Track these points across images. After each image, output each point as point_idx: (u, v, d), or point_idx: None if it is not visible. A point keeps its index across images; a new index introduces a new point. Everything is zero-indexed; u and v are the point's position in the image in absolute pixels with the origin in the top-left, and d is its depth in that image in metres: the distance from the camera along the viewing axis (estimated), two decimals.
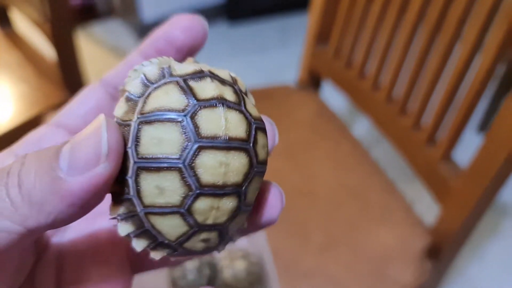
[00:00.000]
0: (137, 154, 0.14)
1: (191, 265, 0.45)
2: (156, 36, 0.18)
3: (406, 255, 0.55)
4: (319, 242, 0.56)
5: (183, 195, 0.14)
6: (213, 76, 0.15)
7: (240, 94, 0.15)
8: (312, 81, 0.78)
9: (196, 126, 0.14)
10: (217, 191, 0.14)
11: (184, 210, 0.14)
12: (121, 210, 0.14)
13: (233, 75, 0.16)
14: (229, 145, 0.14)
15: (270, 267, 0.48)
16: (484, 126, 1.19)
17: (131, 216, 0.14)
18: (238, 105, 0.15)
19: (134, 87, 0.15)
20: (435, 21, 0.53)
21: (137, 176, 0.14)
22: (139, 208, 0.14)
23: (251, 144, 0.15)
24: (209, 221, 0.15)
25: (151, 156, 0.14)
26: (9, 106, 0.73)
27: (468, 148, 0.62)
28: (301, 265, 0.53)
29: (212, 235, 0.15)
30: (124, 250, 0.18)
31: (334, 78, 0.72)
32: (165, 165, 0.14)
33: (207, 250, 0.16)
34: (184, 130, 0.14)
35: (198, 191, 0.14)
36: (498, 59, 0.47)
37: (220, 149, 0.14)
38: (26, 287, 0.16)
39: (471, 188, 0.50)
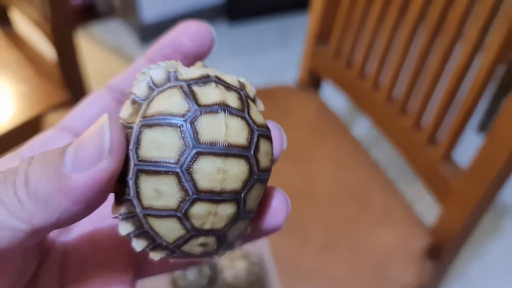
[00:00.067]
0: (137, 156, 0.14)
1: None
2: (163, 42, 0.18)
3: (407, 255, 0.55)
4: (319, 242, 0.56)
5: (180, 199, 0.14)
6: (219, 81, 0.15)
7: (245, 100, 0.15)
8: (312, 81, 0.78)
9: (195, 132, 0.14)
10: (214, 197, 0.14)
11: (180, 214, 0.14)
12: (122, 210, 0.15)
13: (242, 80, 0.16)
14: (228, 151, 0.14)
15: (270, 267, 0.48)
16: (484, 126, 1.19)
17: (131, 216, 0.15)
18: (241, 112, 0.15)
19: (139, 90, 0.15)
20: (435, 21, 0.53)
21: (136, 178, 0.14)
22: (138, 209, 0.14)
23: (251, 152, 0.15)
24: (207, 226, 0.15)
25: (150, 159, 0.14)
26: (9, 106, 0.73)
27: (468, 148, 0.62)
28: (302, 265, 0.53)
29: (210, 240, 0.15)
30: (128, 255, 0.18)
31: (334, 78, 0.72)
32: (163, 169, 0.14)
33: (206, 254, 0.16)
34: (183, 135, 0.14)
35: (195, 196, 0.14)
36: (498, 60, 0.47)
37: (219, 155, 0.14)
38: None
39: (472, 189, 0.50)
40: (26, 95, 0.75)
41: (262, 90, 0.76)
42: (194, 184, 0.14)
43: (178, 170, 0.14)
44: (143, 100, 0.15)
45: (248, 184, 0.15)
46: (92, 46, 1.50)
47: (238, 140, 0.14)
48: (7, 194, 0.13)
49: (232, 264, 0.47)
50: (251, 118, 0.15)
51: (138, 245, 0.15)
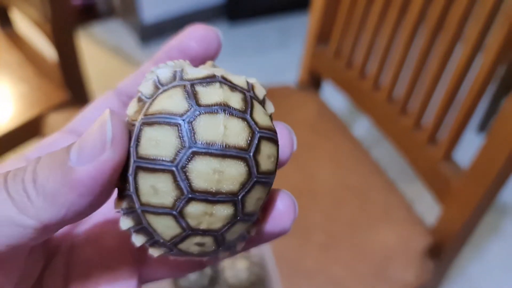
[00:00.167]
0: (137, 153, 0.14)
1: None
2: (170, 46, 0.18)
3: (407, 255, 0.55)
4: (320, 242, 0.56)
5: (175, 197, 0.14)
6: (224, 81, 0.15)
7: (249, 102, 0.15)
8: (313, 82, 0.78)
9: (192, 131, 0.14)
10: (209, 197, 0.14)
11: (176, 213, 0.14)
12: (124, 205, 0.15)
13: (252, 81, 0.16)
14: (225, 152, 0.14)
15: (271, 267, 0.48)
16: (484, 126, 1.19)
17: (131, 211, 0.15)
18: (243, 113, 0.15)
19: (146, 88, 0.15)
20: (436, 21, 0.53)
21: (135, 174, 0.14)
22: (137, 205, 0.15)
23: (251, 154, 0.15)
24: (203, 226, 0.15)
25: (148, 157, 0.14)
26: (10, 106, 0.73)
27: (468, 148, 0.62)
28: (303, 265, 0.54)
29: (207, 240, 0.15)
30: (132, 258, 0.18)
31: (335, 78, 0.72)
32: (160, 167, 0.14)
33: (204, 254, 0.16)
34: (180, 134, 0.14)
35: (190, 196, 0.14)
36: (499, 60, 0.47)
37: (215, 156, 0.14)
38: None
39: (472, 188, 0.50)
40: (26, 95, 0.75)
41: None
42: (189, 184, 0.14)
43: (173, 168, 0.14)
44: (149, 98, 0.15)
45: (246, 186, 0.15)
46: (92, 46, 1.50)
47: (237, 142, 0.14)
48: (16, 191, 0.13)
49: (233, 264, 0.47)
50: (253, 119, 0.15)
51: (138, 240, 0.15)
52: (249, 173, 0.15)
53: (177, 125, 0.14)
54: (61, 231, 0.18)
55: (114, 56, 1.46)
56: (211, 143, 0.14)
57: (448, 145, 0.54)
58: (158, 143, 0.14)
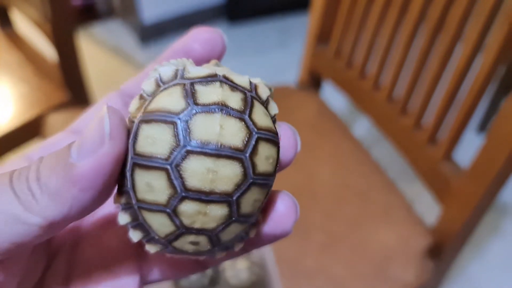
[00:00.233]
0: (134, 150, 0.14)
1: None
2: (175, 48, 0.18)
3: (407, 255, 0.55)
4: (320, 242, 0.56)
5: (169, 195, 0.14)
6: (225, 81, 0.15)
7: (249, 102, 0.15)
8: (313, 82, 0.78)
9: (188, 130, 0.14)
10: (203, 196, 0.14)
11: (170, 210, 0.14)
12: (122, 200, 0.15)
13: (256, 81, 0.16)
14: (219, 152, 0.14)
15: (272, 267, 0.48)
16: (484, 126, 1.19)
17: (129, 207, 0.15)
18: (241, 113, 0.15)
19: (148, 85, 0.15)
20: (436, 21, 0.53)
21: (132, 171, 0.14)
22: (134, 201, 0.15)
23: (247, 154, 0.15)
24: (197, 225, 0.15)
25: (144, 154, 0.14)
26: (10, 106, 0.73)
27: (468, 148, 0.62)
28: (303, 264, 0.54)
29: (201, 239, 0.15)
30: (134, 260, 0.18)
31: (335, 78, 0.72)
32: (155, 164, 0.14)
33: (199, 253, 0.16)
34: (176, 133, 0.14)
35: (183, 194, 0.14)
36: (499, 60, 0.47)
37: (209, 155, 0.14)
38: None
39: (472, 188, 0.50)
40: (26, 95, 0.75)
41: None
42: (183, 182, 0.14)
43: (168, 166, 0.14)
44: (150, 95, 0.15)
45: (241, 187, 0.15)
46: (92, 46, 1.50)
47: (233, 142, 0.14)
48: (21, 189, 0.13)
49: (233, 264, 0.47)
50: (252, 120, 0.15)
51: (135, 235, 0.15)
52: (245, 174, 0.15)
53: (173, 123, 0.14)
54: (63, 231, 0.18)
55: (114, 56, 1.46)
56: (206, 142, 0.14)
57: (448, 145, 0.54)
58: (154, 140, 0.14)
